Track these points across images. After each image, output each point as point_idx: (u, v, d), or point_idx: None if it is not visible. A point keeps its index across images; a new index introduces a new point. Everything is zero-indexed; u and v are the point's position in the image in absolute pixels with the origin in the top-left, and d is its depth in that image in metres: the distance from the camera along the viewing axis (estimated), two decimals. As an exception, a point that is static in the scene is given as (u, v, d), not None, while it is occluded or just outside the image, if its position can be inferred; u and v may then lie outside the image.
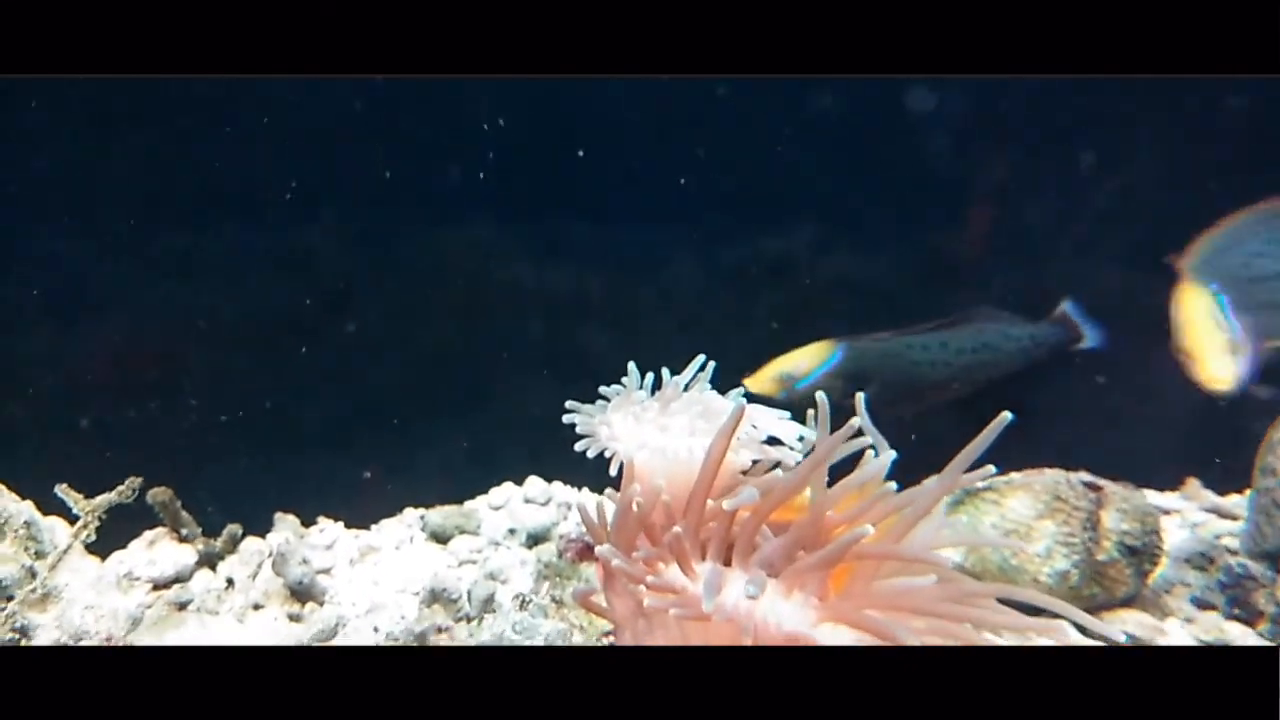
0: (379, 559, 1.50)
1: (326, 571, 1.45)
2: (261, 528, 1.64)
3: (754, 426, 1.06)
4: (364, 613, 1.28)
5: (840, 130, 1.88)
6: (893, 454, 0.93)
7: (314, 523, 1.67)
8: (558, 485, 1.79)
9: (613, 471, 1.09)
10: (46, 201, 1.66)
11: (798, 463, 1.03)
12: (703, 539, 0.95)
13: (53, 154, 1.65)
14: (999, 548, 1.29)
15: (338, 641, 1.23)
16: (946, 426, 1.78)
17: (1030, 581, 1.28)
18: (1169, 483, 1.83)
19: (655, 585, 0.86)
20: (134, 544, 1.55)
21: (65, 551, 1.16)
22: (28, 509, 1.41)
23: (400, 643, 1.21)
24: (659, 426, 1.09)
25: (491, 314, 1.87)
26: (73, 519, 1.40)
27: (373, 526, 1.69)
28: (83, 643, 1.04)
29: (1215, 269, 1.45)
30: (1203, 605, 1.35)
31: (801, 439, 1.06)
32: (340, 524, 1.67)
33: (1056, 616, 0.80)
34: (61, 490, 1.25)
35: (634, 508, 0.96)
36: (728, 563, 0.94)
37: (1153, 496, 1.76)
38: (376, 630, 1.22)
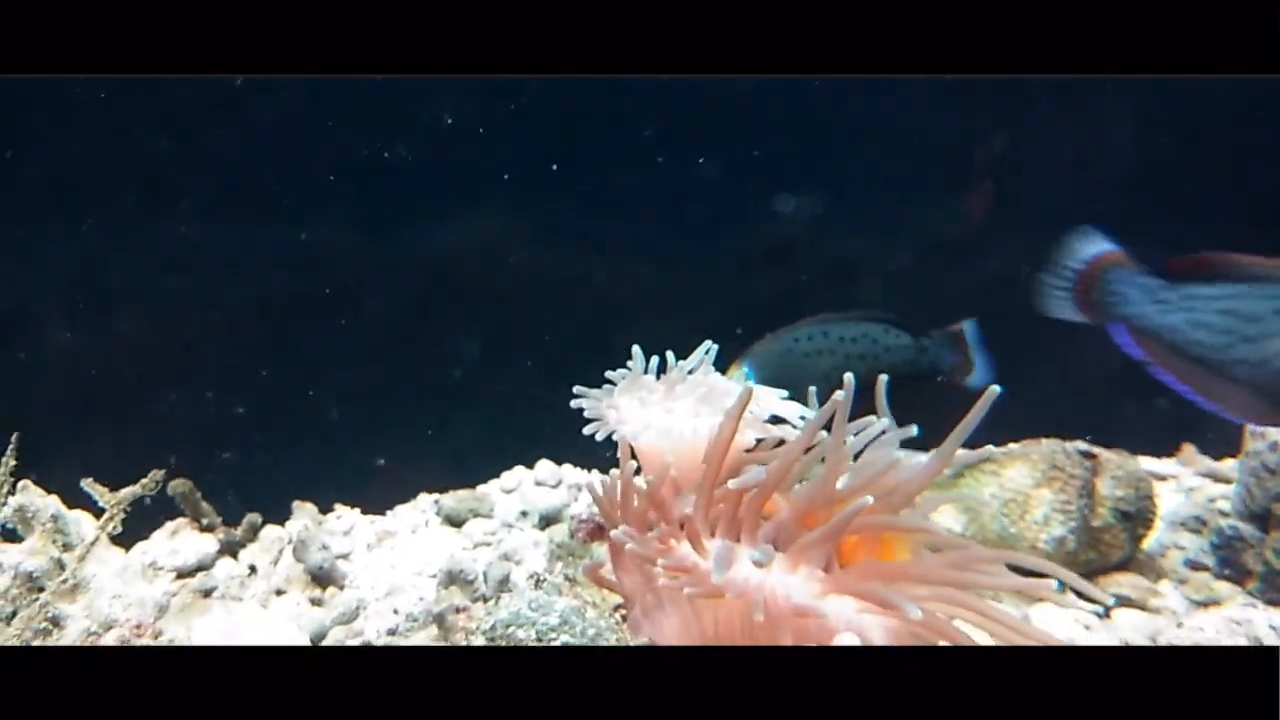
0: (395, 543, 1.54)
1: (345, 557, 1.49)
2: (279, 516, 1.68)
3: (757, 406, 1.10)
4: (383, 595, 1.33)
5: (839, 116, 1.90)
6: (913, 430, 0.96)
7: (331, 510, 1.71)
8: (567, 468, 1.83)
9: (620, 454, 1.13)
10: (64, 197, 1.69)
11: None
12: (712, 518, 0.98)
13: (72, 150, 1.68)
14: (999, 517, 1.33)
15: (359, 624, 1.27)
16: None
17: (1029, 548, 1.32)
18: (1166, 449, 1.87)
19: (669, 566, 0.90)
20: (156, 534, 1.59)
21: (93, 543, 1.20)
22: (54, 503, 1.45)
23: (419, 623, 1.26)
24: (664, 409, 1.13)
25: (498, 302, 1.90)
26: (97, 512, 1.44)
27: (388, 512, 1.73)
28: (112, 631, 1.08)
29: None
30: (1195, 567, 1.39)
31: (803, 418, 1.09)
32: (356, 511, 1.72)
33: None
34: (87, 484, 1.29)
35: (637, 486, 1.00)
36: (737, 540, 0.98)
37: (1150, 463, 1.79)
38: (396, 612, 1.26)
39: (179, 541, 1.56)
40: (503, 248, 1.88)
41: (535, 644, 0.86)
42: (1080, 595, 1.14)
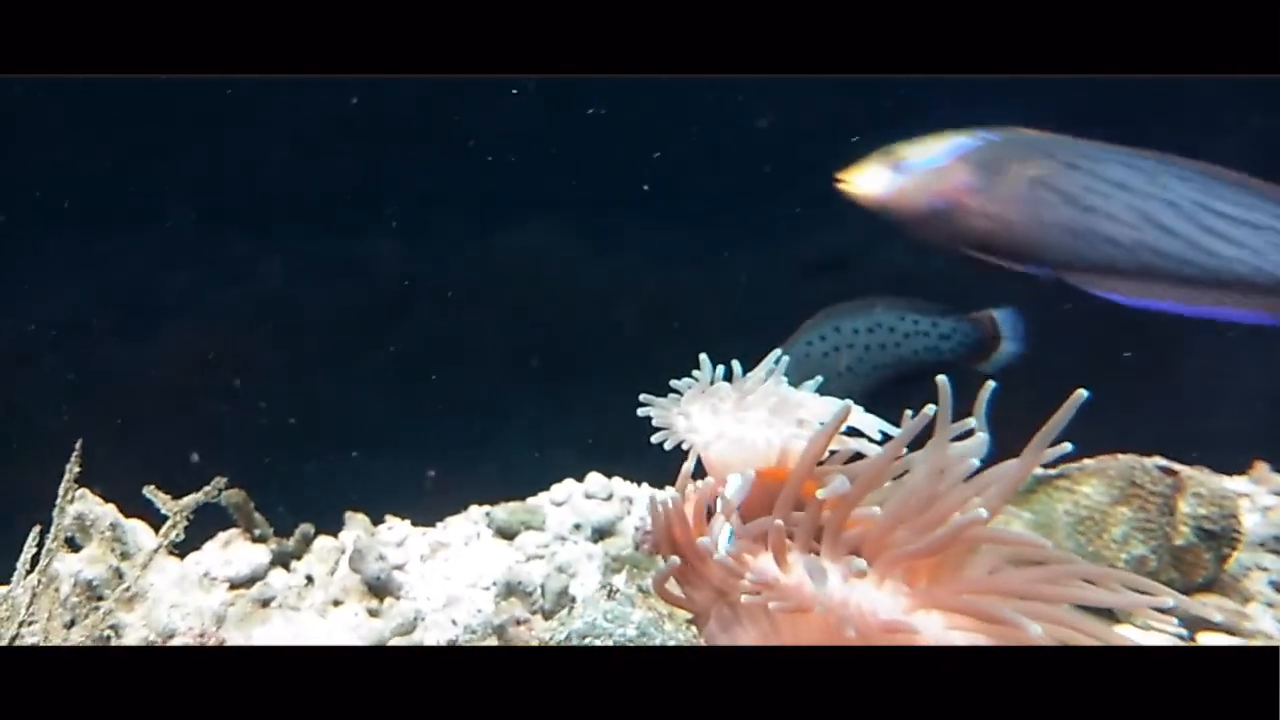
0: (449, 555, 1.52)
1: (400, 568, 1.48)
2: (330, 527, 1.67)
3: (830, 416, 1.07)
4: (440, 606, 1.31)
5: (889, 115, 1.88)
6: (984, 438, 0.93)
7: (382, 521, 1.70)
8: (617, 480, 1.81)
9: (690, 464, 1.10)
10: (116, 206, 1.71)
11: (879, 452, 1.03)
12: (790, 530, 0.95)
13: (127, 160, 1.70)
14: (1074, 535, 1.29)
15: (418, 635, 1.25)
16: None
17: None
18: (1238, 467, 1.81)
19: (753, 585, 0.87)
20: (208, 545, 1.59)
21: (156, 551, 1.19)
22: (112, 512, 1.45)
23: (479, 635, 1.24)
24: (736, 419, 1.10)
25: (548, 313, 1.89)
26: (154, 521, 1.44)
27: (439, 524, 1.72)
28: (173, 640, 1.07)
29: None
30: (1282, 589, 1.34)
31: (882, 432, 1.06)
32: (407, 522, 1.70)
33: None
34: (149, 491, 1.29)
35: (720, 499, 0.97)
36: (814, 553, 0.94)
37: (1221, 481, 1.73)
38: (455, 623, 1.24)
39: (231, 552, 1.55)
40: (553, 258, 1.87)
41: (615, 657, 0.83)
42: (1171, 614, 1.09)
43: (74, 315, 1.74)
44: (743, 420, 1.09)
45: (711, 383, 1.12)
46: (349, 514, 1.67)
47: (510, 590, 1.30)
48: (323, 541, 1.56)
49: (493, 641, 1.19)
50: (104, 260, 1.74)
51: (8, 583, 1.19)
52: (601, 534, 1.60)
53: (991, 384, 0.96)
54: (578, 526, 1.61)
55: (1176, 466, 1.32)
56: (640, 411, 1.15)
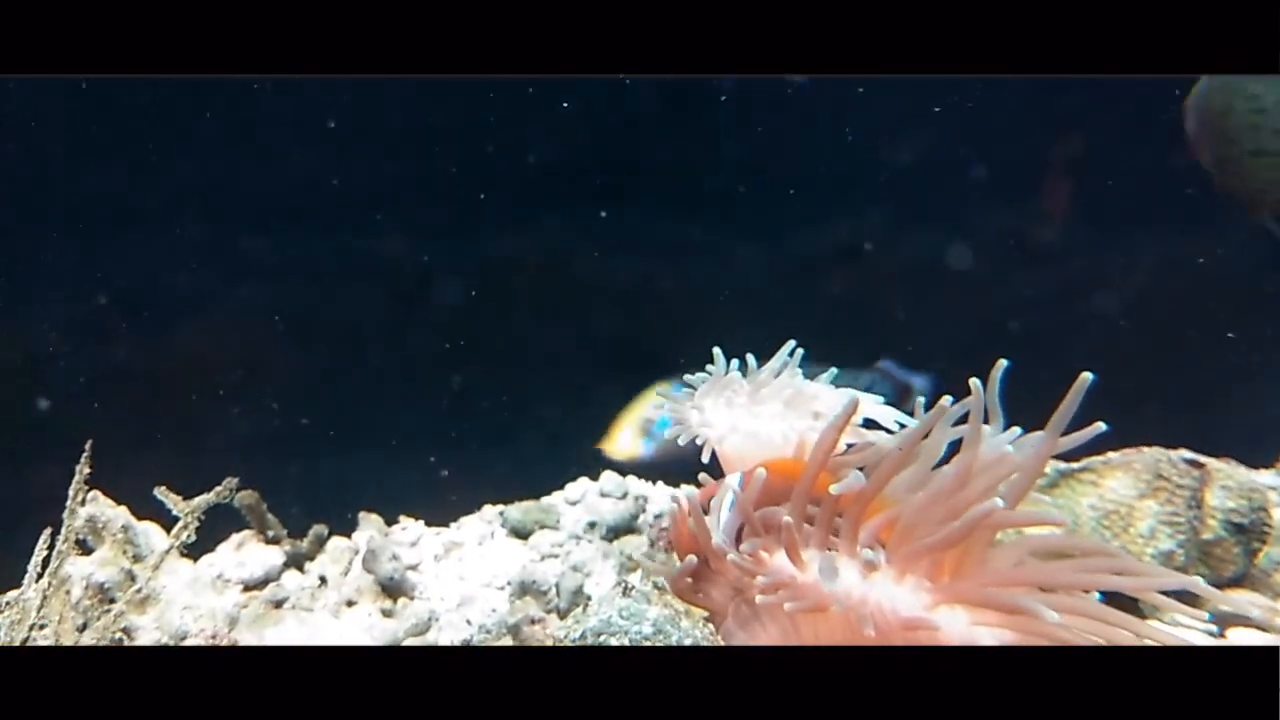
0: (463, 555, 1.51)
1: (414, 568, 1.46)
2: (343, 528, 1.66)
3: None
4: (455, 606, 1.29)
5: (908, 117, 1.86)
6: (1016, 431, 0.90)
7: (395, 522, 1.68)
8: (632, 479, 1.79)
9: (704, 458, 1.08)
10: (127, 208, 1.71)
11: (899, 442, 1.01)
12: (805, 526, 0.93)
13: (137, 161, 1.70)
14: (1099, 530, 1.26)
15: (432, 635, 1.24)
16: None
17: (1133, 563, 1.24)
18: (1265, 460, 1.77)
19: (769, 585, 0.85)
20: (221, 547, 1.58)
21: (167, 552, 1.18)
22: (124, 514, 1.45)
23: (493, 634, 1.22)
24: (750, 412, 1.08)
25: (562, 312, 1.87)
26: (166, 524, 1.43)
27: (453, 524, 1.70)
28: (186, 642, 1.06)
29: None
30: (1314, 584, 1.30)
31: (900, 424, 1.04)
32: (421, 523, 1.69)
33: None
34: (160, 492, 1.28)
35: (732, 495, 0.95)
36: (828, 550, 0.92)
37: (1250, 474, 1.69)
38: (470, 623, 1.22)
39: (244, 554, 1.55)
40: (566, 255, 1.85)
41: (630, 655, 0.81)
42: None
43: (85, 317, 1.74)
44: (757, 414, 1.08)
45: (736, 374, 1.10)
46: (363, 515, 1.66)
47: (525, 589, 1.28)
48: (336, 542, 1.55)
49: (507, 641, 1.17)
50: (115, 261, 1.74)
51: (20, 586, 1.18)
52: (617, 532, 1.58)
53: (1004, 362, 0.94)
54: (593, 525, 1.59)
55: (1203, 459, 1.29)
56: (654, 407, 1.14)
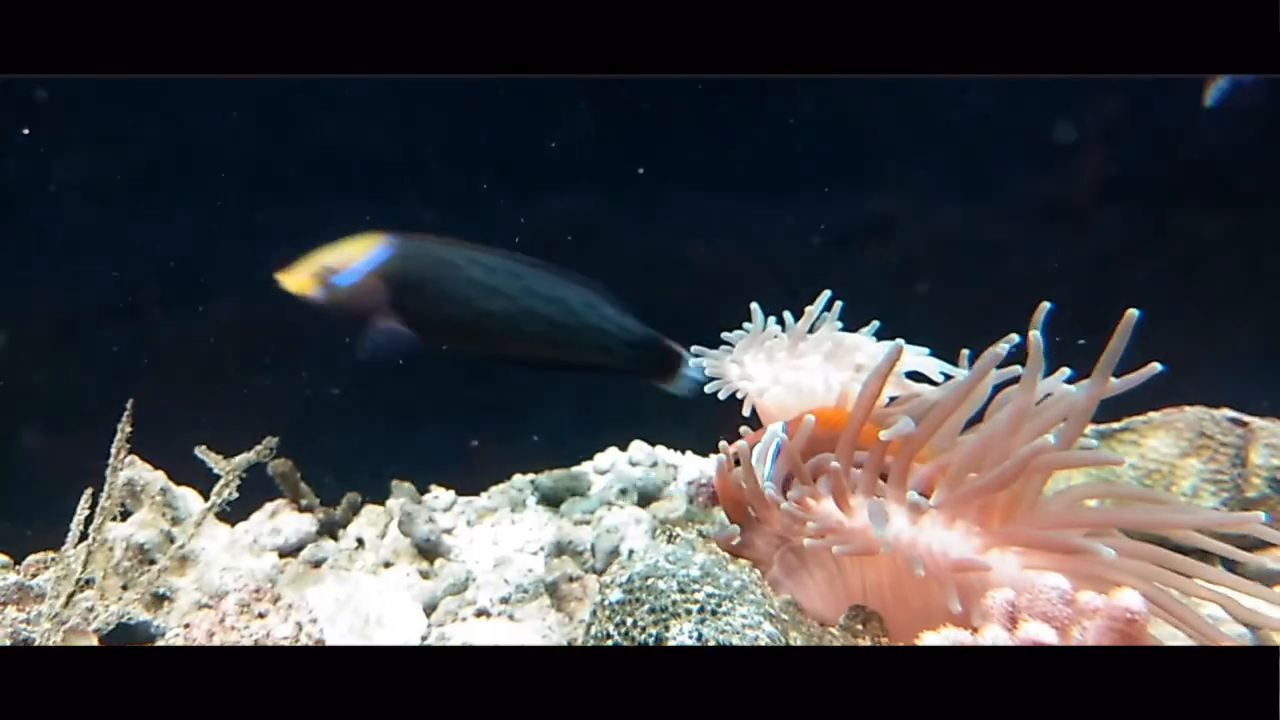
0: (496, 520, 1.51)
1: (448, 532, 1.47)
2: (375, 498, 1.67)
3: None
4: (491, 568, 1.29)
5: (932, 90, 1.84)
6: (1066, 372, 0.89)
7: (427, 491, 1.69)
8: (661, 449, 1.79)
9: (745, 412, 1.08)
10: (161, 185, 1.72)
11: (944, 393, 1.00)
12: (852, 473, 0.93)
13: (176, 137, 1.70)
14: (1140, 485, 1.24)
15: (470, 594, 1.24)
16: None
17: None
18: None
19: (819, 530, 0.84)
20: (255, 515, 1.59)
21: (209, 509, 1.19)
22: (161, 477, 1.46)
23: (530, 594, 1.22)
24: (791, 365, 1.08)
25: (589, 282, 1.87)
26: (204, 490, 1.44)
27: (483, 493, 1.71)
28: (230, 596, 1.07)
29: None
30: (1360, 545, 1.28)
31: (944, 374, 1.03)
32: (452, 493, 1.69)
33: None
34: (201, 451, 1.29)
35: (776, 444, 0.95)
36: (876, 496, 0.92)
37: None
38: (507, 582, 1.23)
39: (279, 521, 1.55)
40: (595, 226, 1.85)
41: (678, 595, 0.81)
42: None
43: (120, 290, 1.76)
44: (798, 367, 1.07)
45: (774, 329, 1.10)
46: (395, 483, 1.67)
47: (561, 549, 1.28)
48: (369, 510, 1.56)
49: (545, 600, 1.17)
50: (150, 235, 1.75)
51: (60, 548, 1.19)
52: (648, 499, 1.58)
53: (1047, 305, 0.93)
54: (624, 492, 1.59)
55: (1247, 418, 1.27)
56: (691, 363, 1.14)
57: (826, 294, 1.11)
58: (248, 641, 1.01)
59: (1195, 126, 1.83)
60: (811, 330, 1.12)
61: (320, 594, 1.18)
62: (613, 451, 1.79)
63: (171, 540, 1.35)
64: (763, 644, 0.78)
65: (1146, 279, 1.88)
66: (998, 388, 0.95)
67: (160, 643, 1.02)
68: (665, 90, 1.80)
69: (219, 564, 1.35)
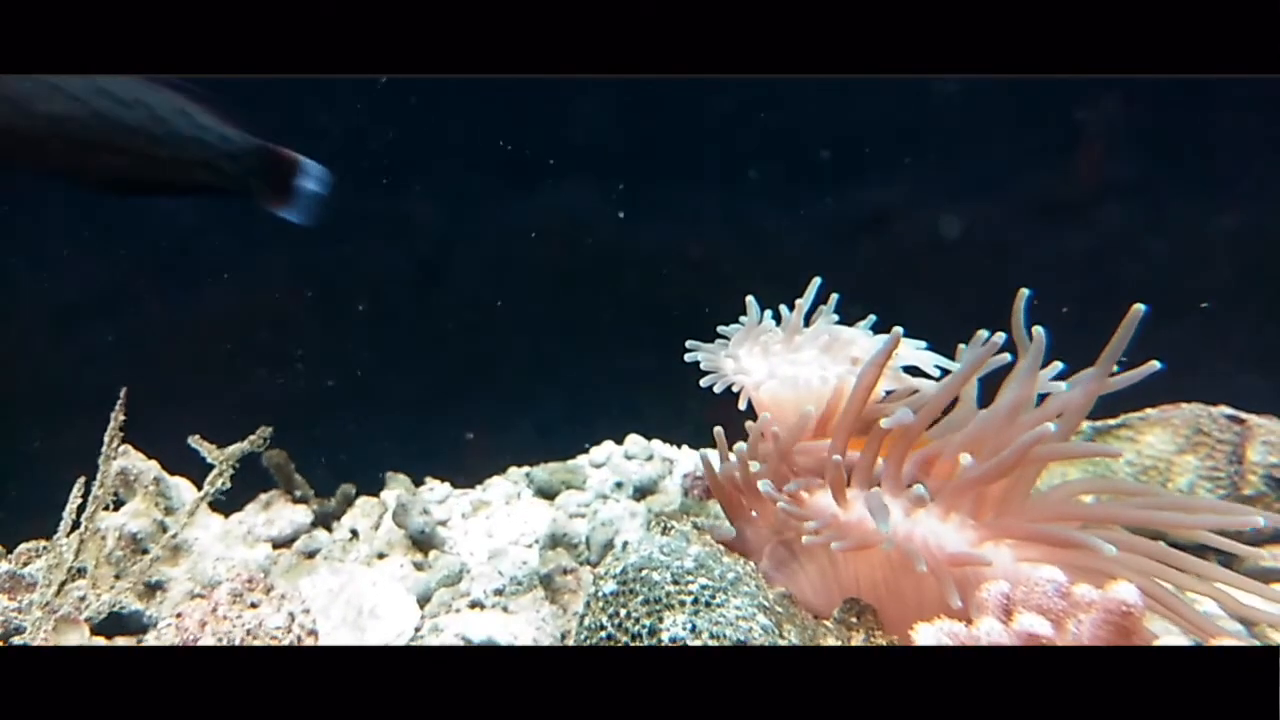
0: (490, 513, 1.50)
1: (443, 524, 1.46)
2: (369, 489, 1.66)
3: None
4: (485, 560, 1.29)
5: (932, 87, 1.83)
6: (1059, 366, 0.89)
7: (422, 484, 1.69)
8: (657, 443, 1.78)
9: (741, 405, 1.07)
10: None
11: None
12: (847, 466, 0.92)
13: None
14: (1136, 481, 1.24)
15: (464, 585, 1.23)
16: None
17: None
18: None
19: (815, 529, 0.84)
20: (250, 506, 1.58)
21: (202, 499, 1.18)
22: (154, 467, 1.45)
23: (524, 586, 1.22)
24: (787, 359, 1.07)
25: (585, 277, 1.86)
26: (198, 480, 1.43)
27: (478, 485, 1.70)
28: (223, 586, 1.06)
29: None
30: (1355, 543, 1.28)
31: (940, 367, 1.03)
32: (447, 484, 1.69)
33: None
34: (194, 441, 1.28)
35: (772, 437, 0.95)
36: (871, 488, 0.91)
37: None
38: (501, 574, 1.22)
39: (273, 513, 1.55)
40: (589, 221, 1.84)
41: (672, 586, 0.81)
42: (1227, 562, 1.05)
43: (115, 279, 1.75)
44: (794, 360, 1.07)
45: (770, 322, 1.09)
46: (390, 474, 1.66)
47: (555, 541, 1.28)
48: (364, 501, 1.55)
49: (539, 592, 1.17)
50: (144, 224, 1.74)
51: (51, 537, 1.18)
52: (643, 493, 1.58)
53: (1026, 292, 0.93)
54: (619, 485, 1.58)
55: (1245, 415, 1.27)
56: (688, 357, 1.13)
57: (817, 281, 1.11)
58: (240, 631, 1.00)
59: (1196, 125, 1.82)
60: (807, 323, 1.12)
61: (314, 585, 1.18)
62: (609, 444, 1.78)
63: (164, 530, 1.35)
64: (757, 636, 0.77)
65: (1145, 276, 1.88)
66: (992, 379, 0.95)
67: (152, 632, 1.02)
68: (663, 87, 1.79)
69: (212, 554, 1.35)
